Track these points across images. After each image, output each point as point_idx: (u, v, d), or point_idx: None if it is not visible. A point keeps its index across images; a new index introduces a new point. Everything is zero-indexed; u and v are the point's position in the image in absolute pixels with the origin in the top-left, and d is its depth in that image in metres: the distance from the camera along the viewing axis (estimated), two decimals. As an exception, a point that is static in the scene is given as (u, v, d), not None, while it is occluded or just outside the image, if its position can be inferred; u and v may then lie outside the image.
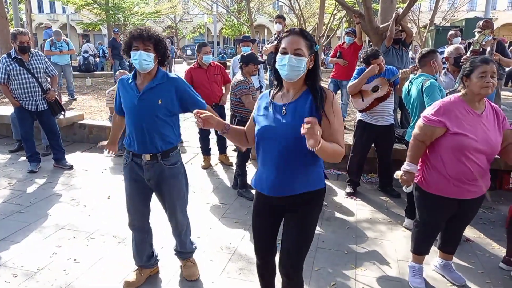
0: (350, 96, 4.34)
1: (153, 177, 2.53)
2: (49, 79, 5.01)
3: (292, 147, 1.83)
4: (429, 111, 2.51)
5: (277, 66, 1.84)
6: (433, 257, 3.03)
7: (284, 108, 1.87)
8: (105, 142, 2.91)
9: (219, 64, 5.30)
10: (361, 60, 4.35)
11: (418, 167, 2.61)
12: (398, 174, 2.64)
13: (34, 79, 4.71)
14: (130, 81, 2.48)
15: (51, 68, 5.00)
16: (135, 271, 2.78)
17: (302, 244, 2.00)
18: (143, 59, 2.33)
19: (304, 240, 2.00)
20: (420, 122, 2.54)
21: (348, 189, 4.48)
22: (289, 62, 1.77)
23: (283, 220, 2.10)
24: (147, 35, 2.34)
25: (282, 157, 1.88)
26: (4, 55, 4.71)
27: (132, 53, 2.35)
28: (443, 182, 2.50)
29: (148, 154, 2.47)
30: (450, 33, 7.10)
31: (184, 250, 2.85)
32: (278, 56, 1.84)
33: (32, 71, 4.70)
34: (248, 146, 2.19)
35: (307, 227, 2.00)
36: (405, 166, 2.58)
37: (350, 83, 4.22)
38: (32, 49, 4.79)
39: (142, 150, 2.48)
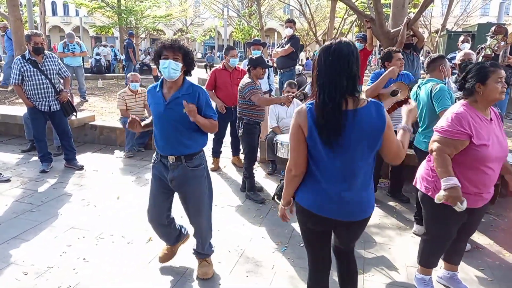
0: None
1: (176, 178, 2.65)
2: (62, 80, 5.09)
3: None
4: (447, 123, 2.35)
5: None
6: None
7: None
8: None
9: (244, 69, 5.34)
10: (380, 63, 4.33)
11: (431, 178, 2.50)
12: (440, 196, 2.30)
13: (47, 80, 4.79)
14: (157, 89, 2.62)
15: (64, 69, 5.09)
16: (166, 246, 3.02)
17: None
18: (172, 67, 2.46)
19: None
20: (440, 136, 2.36)
21: None
22: None
23: None
24: (178, 46, 2.50)
25: None
26: (19, 57, 4.80)
27: (161, 61, 2.48)
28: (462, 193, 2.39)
29: (173, 156, 2.62)
30: (460, 39, 7.06)
31: (202, 252, 2.93)
32: None
33: (45, 72, 4.78)
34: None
35: None
36: (445, 182, 2.29)
37: (367, 87, 4.19)
38: (45, 51, 4.88)
39: (168, 152, 2.63)
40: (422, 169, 2.65)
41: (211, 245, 2.98)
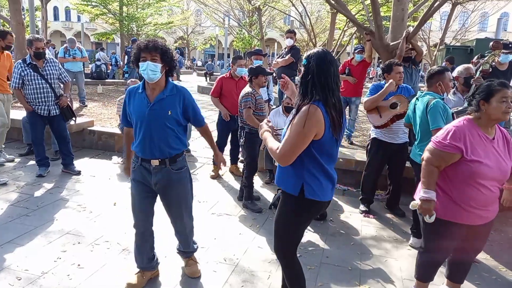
0: (365, 111, 4.32)
1: (160, 181, 2.62)
2: (62, 85, 5.10)
3: None
4: (442, 135, 2.38)
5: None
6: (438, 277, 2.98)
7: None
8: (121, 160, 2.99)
9: None
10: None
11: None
12: (414, 204, 2.45)
13: (47, 85, 4.80)
14: (140, 91, 2.56)
15: (65, 74, 5.10)
16: (136, 273, 2.84)
17: (274, 227, 2.34)
18: (150, 69, 2.41)
19: (275, 225, 2.33)
20: (432, 146, 2.40)
21: (363, 207, 4.42)
22: None
23: None
24: (153, 45, 2.43)
25: None
26: (19, 61, 4.81)
27: (140, 64, 2.44)
28: (453, 207, 2.40)
29: (156, 160, 2.58)
30: (474, 59, 7.12)
31: (187, 250, 2.95)
32: None
33: (46, 77, 4.80)
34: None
35: (277, 216, 2.30)
36: (422, 194, 2.39)
37: (366, 99, 4.22)
38: (46, 56, 4.90)
39: (150, 155, 2.58)
40: (418, 182, 2.64)
41: (194, 241, 3.02)
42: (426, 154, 2.44)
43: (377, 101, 4.10)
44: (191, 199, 2.87)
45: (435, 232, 2.55)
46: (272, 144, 2.17)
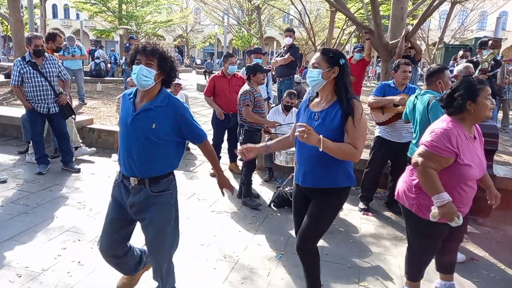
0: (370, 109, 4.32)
1: (136, 204, 2.22)
2: (61, 83, 5.10)
3: (317, 148, 2.11)
4: (435, 138, 2.28)
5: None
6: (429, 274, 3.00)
7: (316, 114, 2.29)
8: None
9: (242, 76, 5.38)
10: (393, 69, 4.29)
11: (413, 195, 2.45)
12: (435, 214, 2.23)
13: (47, 83, 4.80)
14: (130, 96, 2.25)
15: (64, 72, 5.09)
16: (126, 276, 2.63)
17: (310, 225, 2.42)
18: (142, 74, 2.10)
19: (310, 223, 2.41)
20: (427, 150, 2.28)
21: (362, 205, 4.44)
22: (309, 74, 2.29)
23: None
24: (151, 49, 2.12)
25: (310, 154, 2.27)
26: (19, 59, 4.81)
27: (133, 67, 2.14)
28: None
29: (136, 178, 2.20)
30: (459, 53, 7.16)
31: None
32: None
33: (45, 74, 4.79)
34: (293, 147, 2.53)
35: (318, 214, 2.39)
36: (437, 200, 2.21)
37: (372, 97, 4.23)
38: (46, 53, 4.89)
39: (129, 172, 2.21)
40: (403, 184, 2.60)
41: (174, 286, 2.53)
42: (420, 159, 2.29)
43: (381, 104, 4.12)
44: (174, 235, 2.36)
45: (423, 232, 2.55)
46: (342, 145, 2.18)
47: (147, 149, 2.16)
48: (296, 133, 2.08)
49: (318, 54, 2.30)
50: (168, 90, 2.31)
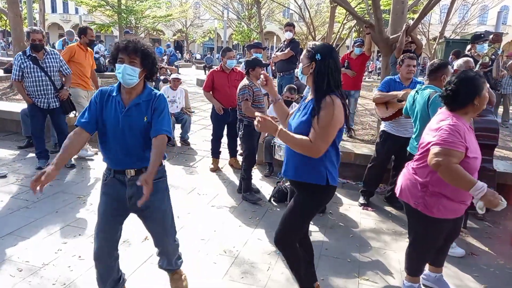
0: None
1: (136, 194, 2.25)
2: (64, 77, 5.07)
3: None
4: (447, 135, 2.24)
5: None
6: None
7: (304, 106, 2.32)
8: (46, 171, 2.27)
9: (241, 71, 5.36)
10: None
11: (419, 193, 2.44)
12: (481, 207, 2.14)
13: (47, 77, 4.78)
14: (114, 93, 2.26)
15: (66, 67, 5.06)
16: None
17: (283, 218, 2.44)
18: (127, 73, 2.14)
19: (283, 216, 2.43)
20: (445, 148, 2.20)
21: (362, 200, 4.43)
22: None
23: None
24: (133, 47, 2.15)
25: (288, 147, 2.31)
26: (20, 53, 4.80)
27: (117, 65, 2.18)
28: (449, 204, 2.39)
29: (132, 169, 2.27)
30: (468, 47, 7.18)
31: (171, 268, 2.67)
32: None
33: (45, 69, 4.77)
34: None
35: (291, 207, 2.39)
36: (476, 192, 2.11)
37: (376, 92, 4.23)
38: (47, 48, 4.87)
39: (125, 165, 2.28)
40: (406, 181, 2.57)
41: (179, 256, 2.70)
42: (440, 159, 2.17)
43: (384, 99, 4.12)
44: (171, 214, 2.53)
45: (430, 230, 2.54)
46: (298, 137, 2.16)
47: (141, 141, 2.24)
48: (255, 123, 2.19)
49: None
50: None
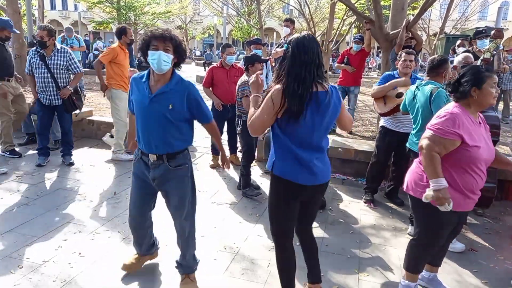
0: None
1: (157, 177, 2.50)
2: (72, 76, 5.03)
3: None
4: (440, 121, 2.32)
5: None
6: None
7: None
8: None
9: (241, 67, 5.35)
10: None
11: (424, 183, 2.42)
12: (429, 196, 2.28)
13: (49, 75, 4.77)
14: (143, 80, 2.43)
15: (76, 65, 4.95)
16: (135, 255, 2.87)
17: None
18: (163, 59, 2.29)
19: None
20: (432, 133, 2.32)
21: (367, 196, 4.42)
22: None
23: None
24: (169, 35, 2.32)
25: None
26: (33, 48, 4.88)
27: (150, 52, 2.30)
28: (459, 197, 2.36)
29: (154, 155, 2.45)
30: (457, 43, 7.13)
31: (184, 263, 2.71)
32: None
33: (49, 66, 4.77)
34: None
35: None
36: (435, 183, 2.26)
37: (375, 87, 4.22)
38: (58, 45, 4.86)
39: (148, 149, 2.46)
40: (413, 174, 2.59)
41: (195, 257, 2.75)
42: (425, 142, 2.33)
43: (383, 92, 4.11)
44: (192, 202, 2.65)
45: (433, 225, 2.53)
46: (251, 109, 2.23)
47: (164, 127, 2.39)
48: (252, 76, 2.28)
49: None
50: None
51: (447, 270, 3.10)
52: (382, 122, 4.33)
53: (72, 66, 4.94)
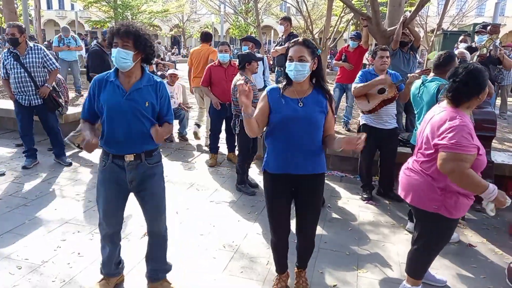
0: (354, 98, 4.34)
1: (136, 178, 2.39)
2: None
3: (307, 131, 2.33)
4: (460, 137, 2.14)
5: (287, 70, 2.30)
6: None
7: (300, 101, 2.32)
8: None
9: None
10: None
11: (439, 196, 2.33)
12: (492, 209, 2.25)
13: (26, 74, 4.59)
14: (112, 79, 2.30)
15: (51, 62, 4.80)
16: (100, 282, 2.63)
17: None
18: (121, 56, 2.18)
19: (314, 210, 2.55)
20: (455, 153, 2.13)
21: (365, 194, 4.43)
22: (296, 67, 2.25)
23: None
24: (124, 30, 2.19)
25: (302, 139, 2.33)
26: (5, 50, 4.70)
27: (112, 49, 2.22)
28: (465, 202, 2.34)
29: (131, 154, 2.34)
30: (460, 38, 7.12)
31: (162, 267, 2.66)
32: (287, 63, 2.29)
33: (25, 65, 4.59)
34: (258, 134, 2.41)
35: (318, 201, 2.52)
36: (488, 195, 2.15)
37: (354, 85, 4.21)
38: (30, 43, 4.68)
39: (125, 150, 2.34)
40: (419, 186, 2.43)
41: (168, 264, 2.72)
42: (454, 165, 2.12)
43: (363, 91, 4.11)
44: (165, 198, 2.59)
45: (445, 235, 2.50)
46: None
47: (142, 125, 2.32)
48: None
49: (301, 47, 2.25)
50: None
51: (446, 265, 3.11)
52: (363, 120, 4.32)
53: (48, 63, 4.75)
